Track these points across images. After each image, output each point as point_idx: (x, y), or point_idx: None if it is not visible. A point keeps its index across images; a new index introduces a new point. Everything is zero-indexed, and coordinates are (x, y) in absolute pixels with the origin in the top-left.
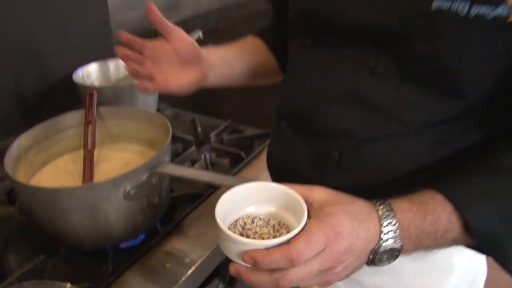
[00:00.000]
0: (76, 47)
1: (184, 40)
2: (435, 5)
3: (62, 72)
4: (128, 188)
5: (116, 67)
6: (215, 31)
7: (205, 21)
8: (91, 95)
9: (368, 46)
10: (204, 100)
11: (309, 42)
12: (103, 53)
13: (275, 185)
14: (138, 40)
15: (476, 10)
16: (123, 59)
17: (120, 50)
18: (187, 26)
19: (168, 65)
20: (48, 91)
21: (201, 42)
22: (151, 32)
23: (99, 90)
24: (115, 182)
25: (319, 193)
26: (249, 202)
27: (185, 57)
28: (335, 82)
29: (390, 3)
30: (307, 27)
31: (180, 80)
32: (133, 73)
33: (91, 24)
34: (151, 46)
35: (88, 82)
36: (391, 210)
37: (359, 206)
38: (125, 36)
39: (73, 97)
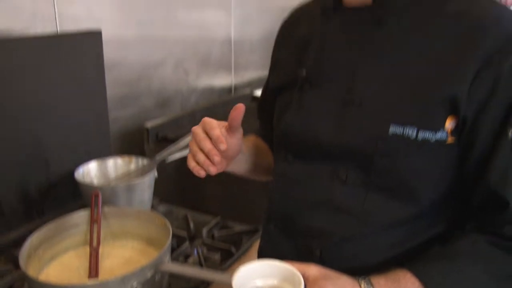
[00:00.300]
0: (77, 145)
1: (239, 142)
2: (391, 131)
3: (63, 169)
4: (134, 284)
5: (114, 165)
6: None
7: (193, 118)
8: (96, 196)
9: (339, 162)
10: (195, 197)
11: (290, 157)
12: (101, 151)
13: (278, 263)
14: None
15: (422, 135)
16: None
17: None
18: (176, 123)
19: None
20: (49, 187)
21: None
22: (142, 130)
23: (99, 188)
24: (124, 279)
25: (313, 269)
26: (258, 276)
27: (230, 154)
28: (313, 191)
29: (356, 129)
30: (288, 146)
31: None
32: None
33: (91, 125)
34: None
35: (87, 179)
36: (371, 284)
37: (345, 280)
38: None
39: (73, 193)
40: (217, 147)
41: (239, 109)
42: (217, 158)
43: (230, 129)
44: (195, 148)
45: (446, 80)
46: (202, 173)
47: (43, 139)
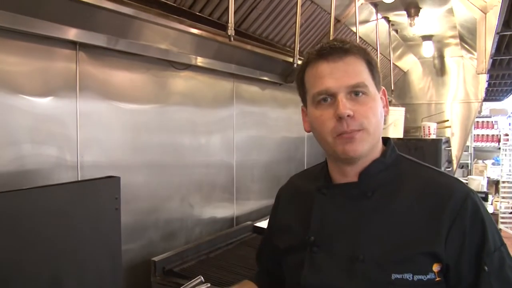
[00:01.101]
0: (90, 284)
1: None
2: (393, 277)
3: None
4: None
5: None
6: (206, 260)
7: (197, 251)
8: None
9: None
10: None
11: None
12: None
13: None
14: None
15: (416, 277)
16: None
17: None
18: (181, 256)
19: None
20: None
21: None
22: (149, 262)
23: None
24: None
25: None
26: None
27: None
28: None
29: (364, 280)
30: None
31: None
32: None
33: (105, 263)
34: None
35: None
36: None
37: None
38: None
39: None
40: None
41: None
42: None
43: None
44: None
45: (427, 242)
46: None
47: (60, 279)
